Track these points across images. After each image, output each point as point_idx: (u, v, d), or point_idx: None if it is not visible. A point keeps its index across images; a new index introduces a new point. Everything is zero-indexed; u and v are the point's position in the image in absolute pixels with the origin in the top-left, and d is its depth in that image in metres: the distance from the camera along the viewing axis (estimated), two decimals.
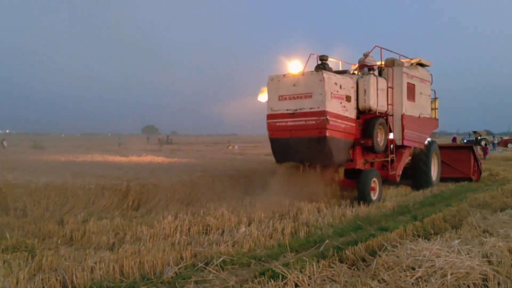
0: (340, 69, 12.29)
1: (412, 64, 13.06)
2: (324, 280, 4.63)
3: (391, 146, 11.63)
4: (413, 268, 4.68)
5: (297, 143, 9.95)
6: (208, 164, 14.91)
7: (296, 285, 4.44)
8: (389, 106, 11.37)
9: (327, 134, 9.49)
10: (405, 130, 11.67)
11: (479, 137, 35.14)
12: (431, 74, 13.60)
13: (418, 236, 6.49)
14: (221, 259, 5.20)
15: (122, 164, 15.87)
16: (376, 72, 11.30)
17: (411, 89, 12.18)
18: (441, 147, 14.54)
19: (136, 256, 5.29)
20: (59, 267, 4.82)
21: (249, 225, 7.37)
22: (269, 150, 11.73)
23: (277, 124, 10.21)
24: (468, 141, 33.23)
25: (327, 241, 6.16)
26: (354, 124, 10.47)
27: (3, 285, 4.20)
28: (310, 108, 9.64)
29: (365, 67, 11.31)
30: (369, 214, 8.42)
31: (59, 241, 6.47)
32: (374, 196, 10.22)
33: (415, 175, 12.82)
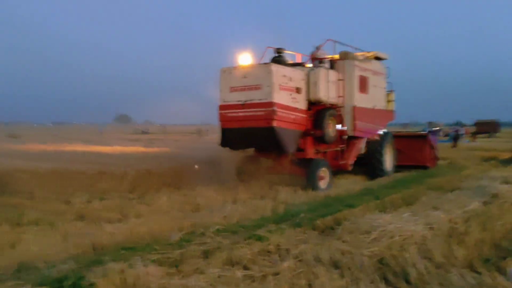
0: (300, 61, 12.57)
1: (367, 57, 13.49)
2: (299, 242, 5.81)
3: (342, 136, 12.09)
4: (369, 232, 5.93)
5: (248, 133, 10.33)
6: (189, 153, 15.96)
7: (277, 245, 5.61)
8: (340, 98, 11.85)
9: (275, 124, 9.85)
10: (356, 121, 12.19)
11: (435, 128, 36.40)
12: (387, 67, 14.21)
13: (378, 211, 7.78)
14: (215, 228, 6.33)
15: (109, 153, 16.81)
16: (327, 65, 11.75)
17: (363, 81, 12.65)
18: (398, 136, 15.11)
19: (144, 225, 6.38)
20: (85, 234, 5.87)
21: (234, 203, 8.51)
22: None
23: (229, 114, 10.53)
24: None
25: (302, 215, 7.35)
26: (305, 115, 10.92)
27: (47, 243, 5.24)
28: (259, 100, 9.99)
29: (316, 60, 11.67)
30: (338, 195, 9.68)
31: (71, 218, 7.47)
32: (323, 184, 10.76)
33: (370, 165, 13.32)
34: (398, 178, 12.99)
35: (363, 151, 13.24)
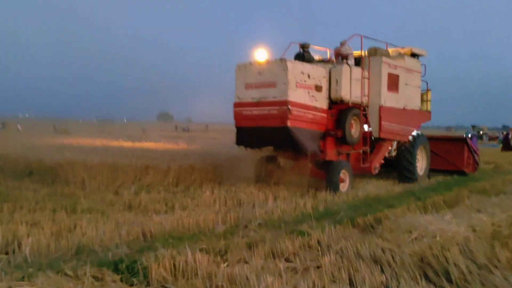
0: (329, 57, 12.08)
1: (400, 53, 12.63)
2: (339, 238, 5.93)
3: (367, 138, 11.28)
4: (410, 231, 5.97)
5: (262, 133, 9.92)
6: (229, 151, 16.27)
7: (318, 241, 5.75)
8: (365, 97, 11.08)
9: (289, 124, 9.36)
10: (382, 122, 11.35)
11: (477, 132, 34.95)
12: (423, 65, 13.16)
13: (419, 212, 7.76)
14: (258, 222, 6.55)
15: (153, 149, 17.44)
16: (351, 62, 10.99)
17: (393, 79, 11.79)
18: (434, 139, 14.20)
19: (190, 217, 6.67)
20: (135, 223, 6.22)
21: (275, 200, 8.70)
22: None
23: (243, 112, 10.19)
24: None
25: (342, 213, 7.45)
26: (325, 115, 10.32)
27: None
28: (274, 97, 9.56)
29: (339, 56, 11.00)
30: (378, 195, 9.69)
31: (120, 208, 7.88)
32: (343, 187, 10.19)
33: (399, 168, 12.45)
34: (439, 181, 12.80)
35: (392, 153, 12.51)
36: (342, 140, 10.50)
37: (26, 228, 5.68)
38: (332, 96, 10.42)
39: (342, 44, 11.03)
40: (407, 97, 12.46)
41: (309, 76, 9.83)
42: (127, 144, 20.47)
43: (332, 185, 9.83)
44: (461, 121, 76.31)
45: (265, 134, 9.90)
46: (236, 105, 10.35)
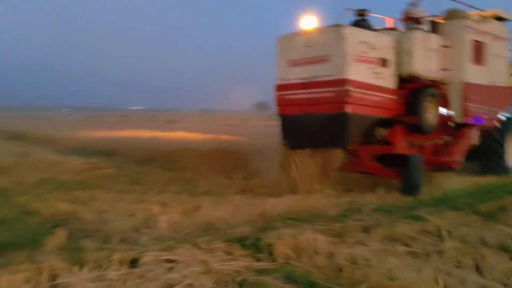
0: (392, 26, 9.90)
1: (483, 17, 10.07)
2: (460, 224, 5.72)
3: (447, 124, 9.12)
4: None
5: (310, 122, 7.93)
6: None
7: (437, 226, 5.60)
8: (445, 72, 8.83)
9: (348, 110, 7.41)
10: (467, 104, 9.10)
11: None
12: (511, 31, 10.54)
13: None
14: (371, 207, 6.56)
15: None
16: (427, 27, 8.80)
17: (479, 49, 9.43)
18: None
19: (303, 200, 6.90)
20: (252, 204, 6.62)
21: (387, 186, 8.55)
22: None
23: (287, 97, 8.30)
24: None
25: (460, 199, 7.14)
26: (393, 96, 8.16)
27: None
28: (327, 76, 7.55)
29: (411, 20, 8.76)
30: (500, 182, 9.06)
31: (234, 191, 8.36)
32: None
33: (485, 160, 10.05)
34: None
35: (476, 142, 9.80)
36: (415, 128, 8.40)
37: (158, 207, 6.33)
38: (403, 71, 8.25)
39: (413, 4, 8.84)
40: (495, 71, 9.97)
41: (372, 47, 7.77)
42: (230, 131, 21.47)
43: (414, 187, 7.91)
44: None
45: (313, 124, 7.88)
46: (278, 87, 8.46)
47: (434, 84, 8.70)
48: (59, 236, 4.85)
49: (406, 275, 3.93)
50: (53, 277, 3.73)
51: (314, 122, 7.83)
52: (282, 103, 8.41)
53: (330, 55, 7.50)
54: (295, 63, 8.08)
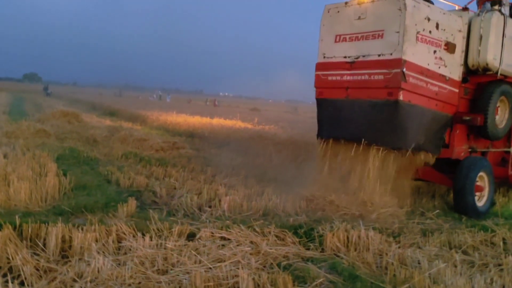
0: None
1: None
2: None
3: None
4: None
5: (354, 109, 6.63)
6: None
7: (504, 239, 5.34)
8: None
9: (401, 97, 6.01)
10: None
11: None
12: None
13: None
14: (436, 211, 6.39)
15: None
16: (506, 10, 7.05)
17: None
18: None
19: (365, 195, 6.87)
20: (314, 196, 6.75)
21: None
22: None
23: (329, 78, 6.97)
24: None
25: None
26: (456, 89, 6.70)
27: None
28: (379, 55, 6.21)
29: (486, 1, 7.12)
30: None
31: (299, 181, 8.51)
32: (479, 201, 6.73)
33: None
34: None
35: None
36: (479, 131, 7.03)
37: (224, 189, 6.71)
38: (472, 61, 6.76)
39: None
40: None
41: (437, 25, 6.28)
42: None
43: (463, 195, 6.48)
44: None
45: (356, 111, 6.60)
46: (319, 66, 7.11)
47: (509, 80, 7.22)
48: (131, 205, 5.38)
49: (454, 281, 3.87)
50: (119, 239, 4.24)
51: (359, 110, 6.54)
52: (322, 84, 7.11)
53: (386, 30, 6.13)
54: (342, 38, 6.75)
